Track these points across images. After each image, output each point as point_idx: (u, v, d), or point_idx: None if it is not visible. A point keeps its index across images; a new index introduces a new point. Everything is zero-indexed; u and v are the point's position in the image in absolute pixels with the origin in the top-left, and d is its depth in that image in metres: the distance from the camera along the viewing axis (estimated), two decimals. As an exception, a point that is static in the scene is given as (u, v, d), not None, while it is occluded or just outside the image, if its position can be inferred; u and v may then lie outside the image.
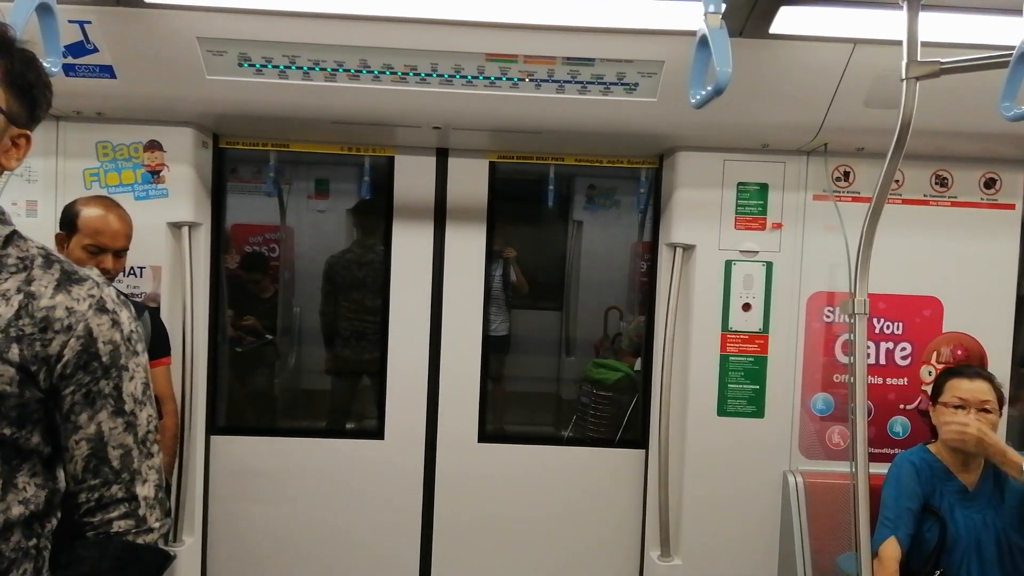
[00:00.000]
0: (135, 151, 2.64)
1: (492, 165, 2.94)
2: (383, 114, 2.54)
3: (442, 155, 2.93)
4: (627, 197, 4.03)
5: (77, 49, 2.24)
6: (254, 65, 2.30)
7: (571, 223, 5.17)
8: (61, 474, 1.18)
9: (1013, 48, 1.58)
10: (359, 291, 3.69)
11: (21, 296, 1.07)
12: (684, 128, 2.59)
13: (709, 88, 1.59)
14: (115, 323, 1.13)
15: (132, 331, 1.17)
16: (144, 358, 1.19)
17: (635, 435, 3.09)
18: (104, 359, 1.11)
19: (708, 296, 2.76)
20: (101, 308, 1.12)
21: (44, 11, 1.67)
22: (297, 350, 4.94)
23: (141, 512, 1.15)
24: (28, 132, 1.15)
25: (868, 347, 2.74)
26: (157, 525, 1.17)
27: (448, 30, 2.19)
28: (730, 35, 1.60)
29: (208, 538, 2.94)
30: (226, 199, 2.99)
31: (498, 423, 4.09)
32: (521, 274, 4.47)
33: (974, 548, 2.22)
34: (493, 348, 3.92)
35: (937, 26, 1.98)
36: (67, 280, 1.11)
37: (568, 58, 2.27)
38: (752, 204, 2.74)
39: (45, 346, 1.07)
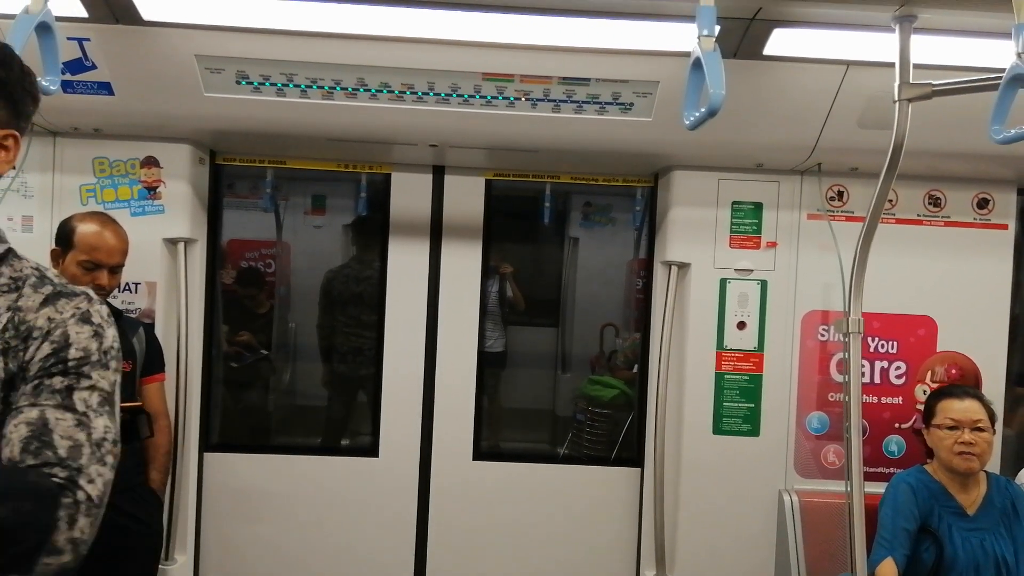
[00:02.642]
0: (132, 167, 2.64)
1: (488, 182, 2.95)
2: (380, 132, 2.55)
3: (438, 172, 2.94)
4: (623, 215, 4.04)
5: (75, 66, 2.25)
6: (252, 83, 2.31)
7: (567, 240, 5.17)
8: None
9: (1003, 71, 1.60)
10: (356, 306, 3.68)
11: (10, 314, 1.05)
12: (679, 147, 2.61)
13: (703, 110, 1.60)
14: (96, 335, 1.08)
15: (111, 348, 1.10)
16: (114, 377, 1.11)
17: (631, 453, 3.08)
18: (69, 363, 1.05)
19: (703, 314, 2.76)
20: (85, 319, 1.08)
21: (43, 29, 1.68)
22: (292, 366, 4.92)
23: (80, 496, 0.98)
24: (15, 133, 1.10)
25: (863, 366, 2.74)
26: (84, 520, 0.98)
27: (445, 49, 2.20)
28: (724, 56, 1.62)
29: (200, 556, 2.91)
30: (222, 215, 2.99)
31: (493, 440, 4.07)
32: (517, 290, 4.47)
33: (972, 571, 2.22)
34: (489, 364, 3.92)
35: (929, 49, 1.99)
36: (57, 297, 1.08)
37: (564, 78, 2.29)
38: (747, 223, 2.75)
39: (23, 352, 1.03)
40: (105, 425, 1.06)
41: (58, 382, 1.03)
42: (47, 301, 1.07)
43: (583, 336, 5.11)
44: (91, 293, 1.13)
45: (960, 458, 2.25)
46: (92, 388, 1.06)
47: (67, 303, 1.08)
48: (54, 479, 0.97)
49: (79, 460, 1.00)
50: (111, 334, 1.11)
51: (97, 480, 1.01)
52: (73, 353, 1.05)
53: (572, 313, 5.28)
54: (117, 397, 1.11)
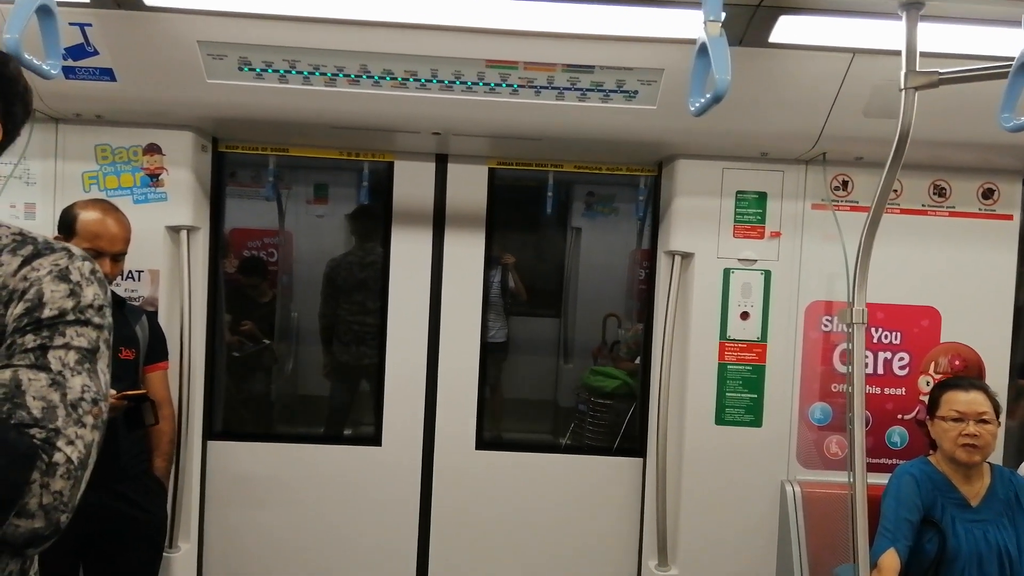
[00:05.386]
0: (134, 154, 2.64)
1: (491, 171, 2.94)
2: (383, 119, 2.54)
3: (441, 161, 2.93)
4: (626, 204, 4.04)
5: (77, 52, 2.24)
6: (254, 69, 2.30)
7: (570, 230, 5.17)
8: None
9: (1012, 59, 1.58)
10: (360, 295, 3.68)
11: None
12: (683, 136, 2.59)
13: (708, 96, 1.59)
14: (73, 293, 1.03)
15: (89, 306, 1.05)
16: (96, 334, 1.05)
17: (633, 443, 3.08)
18: (43, 321, 1.00)
19: (706, 304, 2.75)
20: (62, 277, 1.03)
21: (44, 13, 1.66)
22: (295, 355, 4.93)
23: (57, 459, 0.94)
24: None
25: (866, 357, 2.74)
26: (62, 465, 0.94)
27: (448, 36, 2.19)
28: (730, 44, 1.60)
29: (204, 544, 2.92)
30: (225, 203, 2.98)
31: (496, 430, 4.08)
32: (520, 281, 4.47)
33: (975, 562, 2.21)
34: (491, 354, 3.92)
35: (936, 37, 1.98)
36: (36, 256, 1.04)
37: (568, 65, 2.27)
38: (751, 212, 2.74)
39: (3, 317, 1.00)
40: (83, 384, 1.00)
41: (31, 340, 0.99)
42: (26, 261, 1.03)
43: (585, 326, 5.12)
44: (74, 249, 1.08)
45: (964, 450, 2.25)
46: (67, 346, 1.01)
47: (45, 260, 1.04)
48: (33, 439, 0.93)
49: (55, 422, 0.95)
50: (92, 292, 1.06)
51: (77, 442, 0.96)
52: (47, 312, 1.01)
53: (575, 303, 5.28)
54: (103, 355, 1.06)
